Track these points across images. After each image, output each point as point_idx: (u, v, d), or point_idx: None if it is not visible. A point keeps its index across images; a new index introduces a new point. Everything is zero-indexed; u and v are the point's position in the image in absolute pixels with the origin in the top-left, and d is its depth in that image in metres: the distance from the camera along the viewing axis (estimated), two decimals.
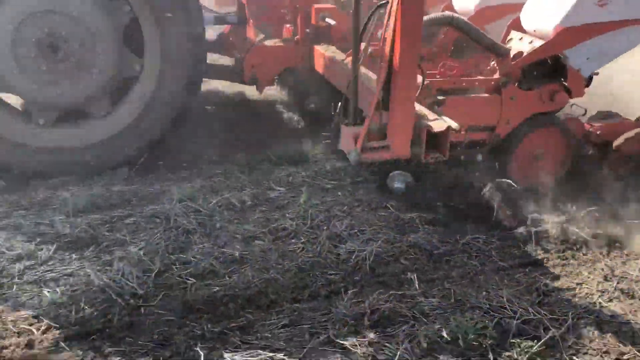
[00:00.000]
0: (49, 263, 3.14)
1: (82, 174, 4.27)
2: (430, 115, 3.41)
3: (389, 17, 3.14)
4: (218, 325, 2.67)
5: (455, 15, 3.79)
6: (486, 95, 3.87)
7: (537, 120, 3.93)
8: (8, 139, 4.17)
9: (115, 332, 2.63)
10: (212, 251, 3.26)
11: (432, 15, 3.82)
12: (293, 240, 3.39)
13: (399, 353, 2.44)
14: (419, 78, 3.43)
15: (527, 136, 3.92)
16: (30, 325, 2.67)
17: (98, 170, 4.31)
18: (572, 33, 3.68)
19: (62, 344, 2.55)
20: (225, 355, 2.44)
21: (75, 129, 4.38)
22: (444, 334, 2.54)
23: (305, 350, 2.51)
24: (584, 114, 4.14)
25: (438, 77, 3.97)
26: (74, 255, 3.21)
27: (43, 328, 2.64)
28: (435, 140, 3.31)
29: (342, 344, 2.53)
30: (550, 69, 3.92)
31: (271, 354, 2.46)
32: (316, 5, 4.87)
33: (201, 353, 2.41)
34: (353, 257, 3.18)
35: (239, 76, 5.31)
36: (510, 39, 4.16)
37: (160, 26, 4.21)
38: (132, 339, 2.59)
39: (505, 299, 2.85)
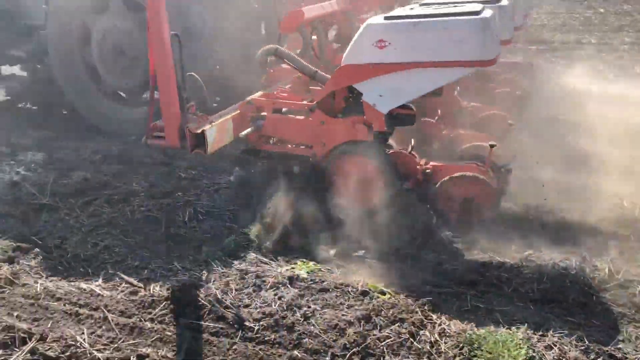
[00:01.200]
0: None
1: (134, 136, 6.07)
2: (216, 121, 3.99)
3: None
4: None
5: (280, 47, 4.41)
6: (300, 117, 4.24)
7: (348, 147, 4.02)
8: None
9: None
10: None
11: (265, 47, 4.39)
12: None
13: None
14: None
15: (338, 160, 4.05)
16: None
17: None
18: (353, 70, 3.78)
19: None
20: None
21: (128, 108, 6.63)
22: None
23: None
24: (411, 149, 4.12)
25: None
26: None
27: None
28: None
29: None
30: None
31: None
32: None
33: None
34: None
35: None
36: None
37: None
38: None
39: None
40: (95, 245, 3.88)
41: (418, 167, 4.03)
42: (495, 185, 3.85)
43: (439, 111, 4.86)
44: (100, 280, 3.50)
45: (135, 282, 3.45)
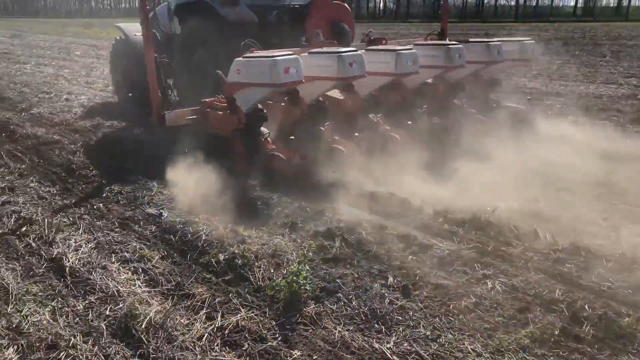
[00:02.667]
0: None
1: None
2: (182, 112, 7.09)
3: None
4: None
5: (219, 72, 6.68)
6: (218, 112, 6.79)
7: (234, 132, 6.58)
8: None
9: None
10: None
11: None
12: None
13: None
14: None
15: (231, 140, 6.60)
16: None
17: None
18: (230, 86, 6.46)
19: None
20: None
21: None
22: None
23: None
24: (267, 136, 6.63)
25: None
26: None
27: None
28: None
29: None
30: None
31: None
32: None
33: None
34: None
35: None
36: None
37: None
38: None
39: None
40: (391, 304, 3.96)
41: (265, 148, 6.49)
42: (291, 162, 6.20)
43: (326, 124, 6.91)
44: (391, 343, 3.54)
45: (425, 355, 3.39)
